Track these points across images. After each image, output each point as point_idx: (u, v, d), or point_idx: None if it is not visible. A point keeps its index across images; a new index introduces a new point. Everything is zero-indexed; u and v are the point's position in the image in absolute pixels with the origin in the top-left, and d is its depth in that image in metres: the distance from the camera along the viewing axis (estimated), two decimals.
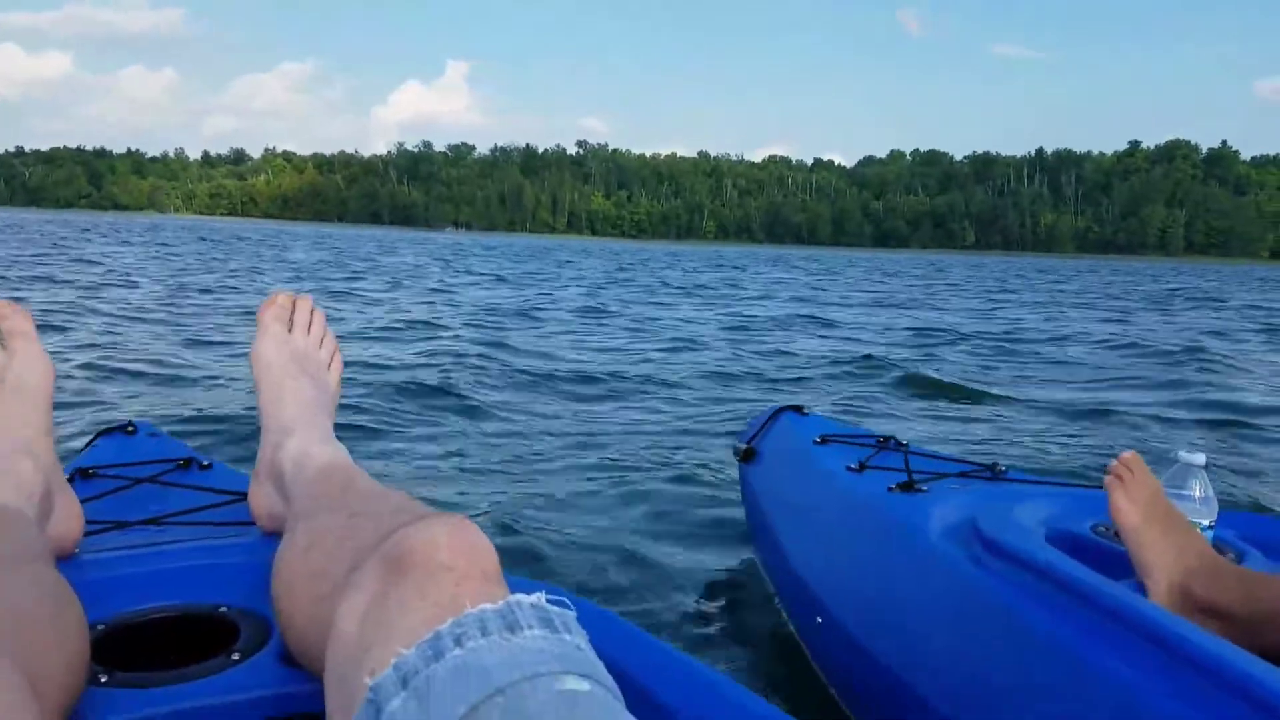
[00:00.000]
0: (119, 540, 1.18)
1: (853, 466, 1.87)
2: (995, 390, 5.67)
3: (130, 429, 1.78)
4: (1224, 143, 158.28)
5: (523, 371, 5.59)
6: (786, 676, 1.81)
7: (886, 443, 2.08)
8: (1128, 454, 1.41)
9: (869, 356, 6.79)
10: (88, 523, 1.14)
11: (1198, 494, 1.33)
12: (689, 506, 2.98)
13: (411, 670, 0.52)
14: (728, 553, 2.54)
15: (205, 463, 1.57)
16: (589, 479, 3.27)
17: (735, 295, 15.59)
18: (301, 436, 1.08)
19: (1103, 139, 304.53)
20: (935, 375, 6.10)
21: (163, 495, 1.42)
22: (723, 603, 2.25)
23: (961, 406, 5.19)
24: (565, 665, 0.53)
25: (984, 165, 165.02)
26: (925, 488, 1.70)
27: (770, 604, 2.08)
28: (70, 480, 1.21)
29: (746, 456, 2.24)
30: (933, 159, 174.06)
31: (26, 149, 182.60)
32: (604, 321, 9.85)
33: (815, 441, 2.08)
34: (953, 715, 1.14)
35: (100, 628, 0.88)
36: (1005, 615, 1.16)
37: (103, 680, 0.79)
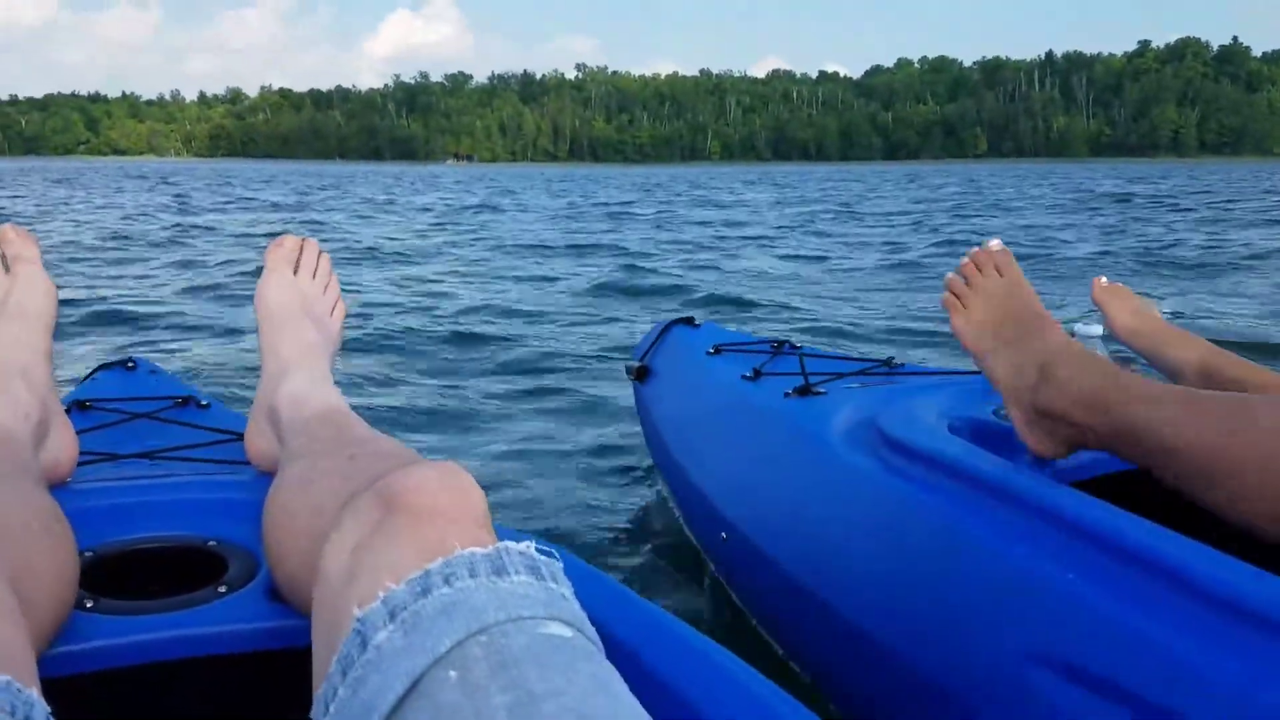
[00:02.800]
0: (112, 472, 1.19)
1: (747, 375, 1.81)
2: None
3: (130, 365, 1.78)
4: (1235, 39, 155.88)
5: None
6: (694, 595, 1.78)
7: (780, 347, 2.03)
8: (1101, 279, 1.44)
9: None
10: (82, 453, 1.15)
11: None
12: (587, 429, 2.93)
13: (399, 604, 0.53)
14: (628, 474, 2.48)
15: (204, 402, 1.57)
16: (482, 407, 3.22)
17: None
18: (300, 378, 1.08)
19: (1112, 39, 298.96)
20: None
21: (160, 431, 1.42)
22: (625, 524, 2.17)
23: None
24: (550, 611, 0.54)
25: (993, 70, 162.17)
26: (822, 390, 1.65)
27: (674, 523, 2.03)
28: (67, 412, 1.21)
29: (640, 375, 2.16)
30: (941, 66, 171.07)
31: (20, 97, 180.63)
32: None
33: (708, 353, 2.03)
34: (866, 620, 1.12)
35: (88, 554, 0.89)
36: (913, 514, 1.14)
37: (88, 605, 0.80)
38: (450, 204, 18.77)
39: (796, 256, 8.68)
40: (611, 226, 12.80)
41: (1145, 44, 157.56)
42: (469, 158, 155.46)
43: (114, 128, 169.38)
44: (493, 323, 4.94)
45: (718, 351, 2.03)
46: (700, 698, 0.70)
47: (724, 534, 1.52)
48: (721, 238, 10.74)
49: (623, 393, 3.03)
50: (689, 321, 2.31)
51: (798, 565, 1.30)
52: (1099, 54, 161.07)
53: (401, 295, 5.88)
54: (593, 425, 2.98)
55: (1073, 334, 1.32)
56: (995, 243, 1.26)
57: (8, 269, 1.17)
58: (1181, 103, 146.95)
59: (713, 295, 5.83)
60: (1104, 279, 1.45)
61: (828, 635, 1.24)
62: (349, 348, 4.04)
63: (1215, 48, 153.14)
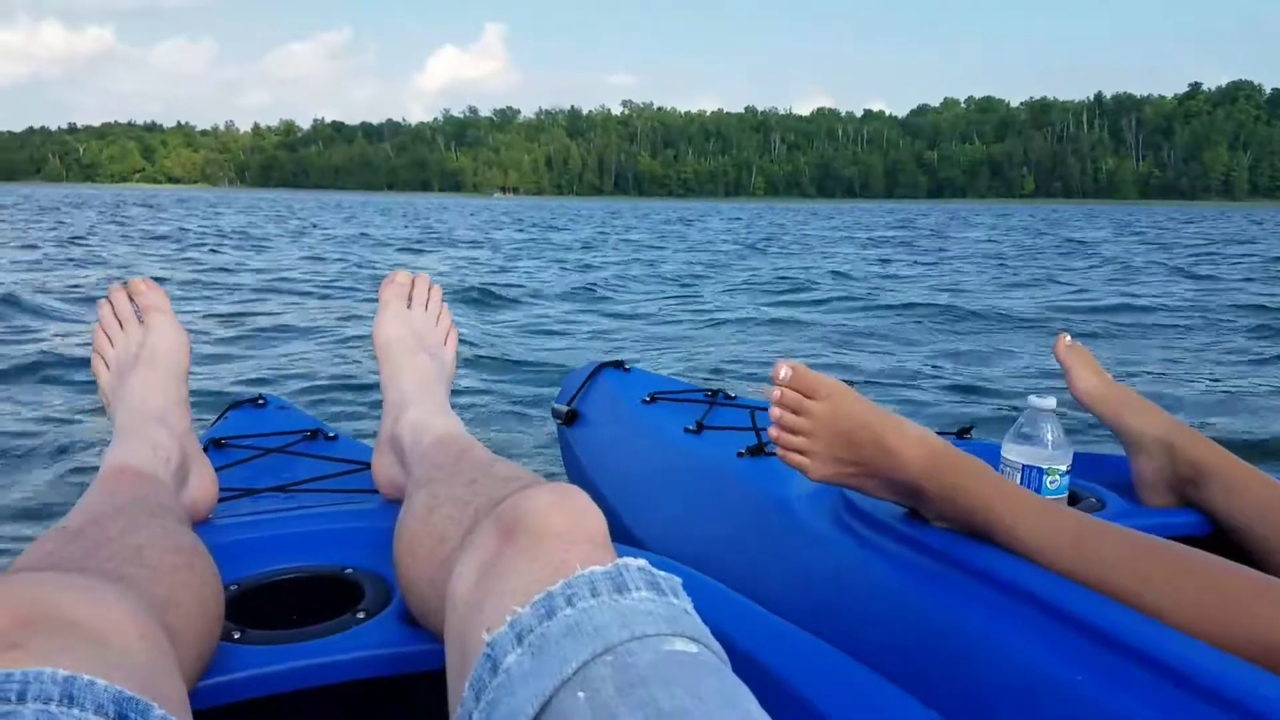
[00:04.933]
0: (250, 506, 1.24)
1: (690, 428, 1.76)
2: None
3: (260, 402, 1.84)
4: None
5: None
6: None
7: (716, 397, 1.97)
8: (1065, 336, 1.43)
9: None
10: (221, 490, 1.19)
11: (1051, 439, 1.26)
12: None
13: (526, 628, 0.54)
14: None
15: (331, 434, 1.62)
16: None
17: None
18: (420, 408, 1.11)
19: (1163, 82, 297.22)
20: None
21: (291, 464, 1.46)
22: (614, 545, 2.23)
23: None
24: (673, 627, 0.54)
25: (1041, 111, 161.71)
26: (776, 450, 1.62)
27: None
28: (204, 450, 1.25)
29: (569, 419, 2.07)
30: (988, 106, 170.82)
31: (79, 125, 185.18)
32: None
33: (644, 400, 1.97)
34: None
35: (233, 587, 0.93)
36: (880, 585, 1.11)
37: (236, 637, 0.83)
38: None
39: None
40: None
41: (1196, 86, 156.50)
42: (515, 190, 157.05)
43: (169, 157, 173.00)
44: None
45: (654, 399, 1.97)
46: (829, 707, 0.69)
47: None
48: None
49: (540, 432, 2.97)
50: (619, 365, 2.24)
51: None
52: (1149, 95, 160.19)
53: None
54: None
55: (1026, 406, 1.30)
56: (783, 371, 1.14)
57: (141, 320, 1.22)
58: (1233, 146, 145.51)
59: None
60: (1068, 337, 1.43)
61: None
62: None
63: (1268, 90, 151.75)
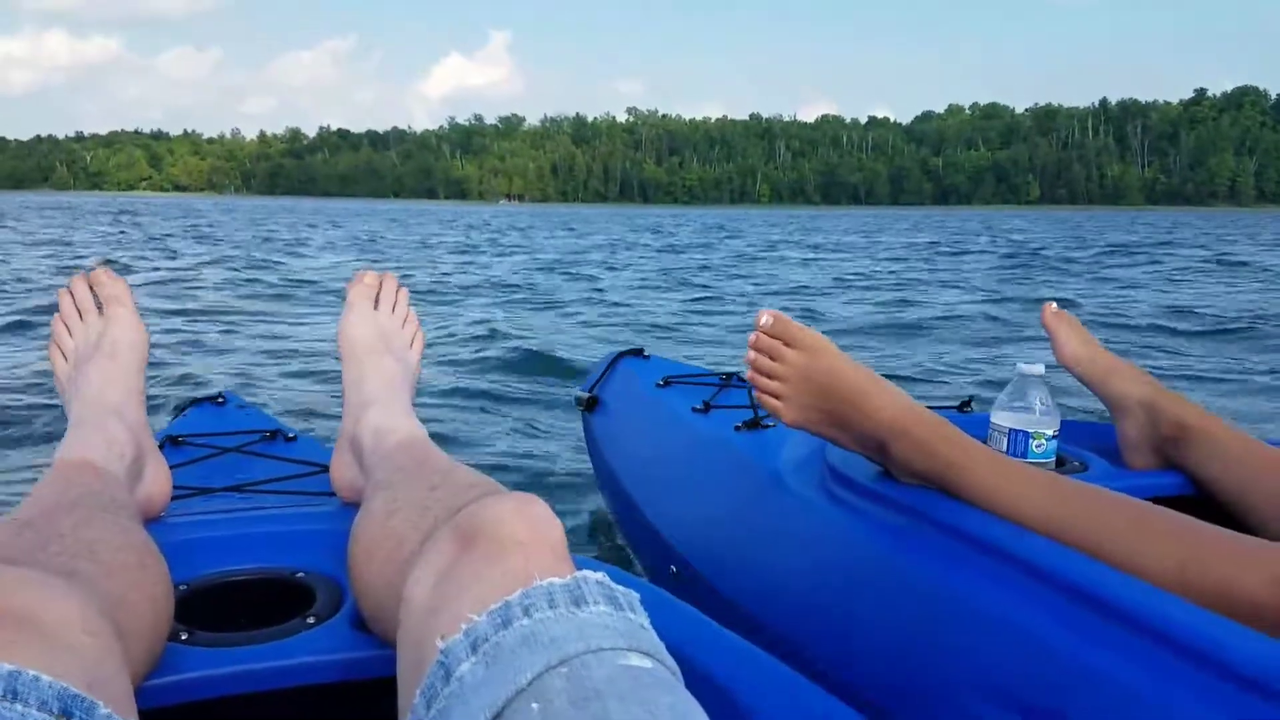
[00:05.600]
0: (204, 505, 1.22)
1: (698, 407, 1.82)
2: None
3: (220, 399, 1.83)
4: None
5: None
6: None
7: (729, 380, 2.02)
8: (1051, 305, 1.46)
9: None
10: (175, 488, 1.18)
11: (1039, 405, 1.29)
12: (534, 458, 2.89)
13: (481, 636, 0.54)
14: (575, 504, 2.48)
15: (290, 434, 1.61)
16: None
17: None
18: (382, 410, 1.10)
19: (1168, 88, 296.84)
20: None
21: (248, 464, 1.45)
22: (572, 557, 2.25)
23: None
24: (629, 642, 0.54)
25: (1047, 117, 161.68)
26: (771, 423, 1.64)
27: (622, 554, 2.00)
28: (160, 447, 1.24)
29: (589, 405, 2.16)
30: (993, 112, 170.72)
31: (86, 133, 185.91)
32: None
33: (658, 385, 2.03)
34: (814, 653, 1.12)
35: (183, 587, 0.92)
36: (859, 547, 1.14)
37: (184, 638, 0.82)
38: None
39: None
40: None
41: (1202, 92, 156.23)
42: (520, 198, 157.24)
43: (176, 164, 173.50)
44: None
45: (667, 383, 2.03)
46: None
47: (673, 567, 1.51)
48: None
49: (572, 421, 3.03)
50: (639, 353, 2.30)
51: (746, 599, 1.29)
52: (1155, 101, 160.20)
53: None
54: (540, 453, 2.97)
55: (1015, 373, 1.33)
56: (764, 317, 1.19)
57: (101, 311, 1.21)
58: (1239, 152, 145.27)
59: None
60: (1054, 305, 1.46)
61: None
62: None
63: (1274, 96, 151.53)
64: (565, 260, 13.59)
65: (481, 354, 4.77)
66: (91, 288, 1.23)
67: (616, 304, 7.72)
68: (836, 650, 1.09)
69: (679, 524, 1.57)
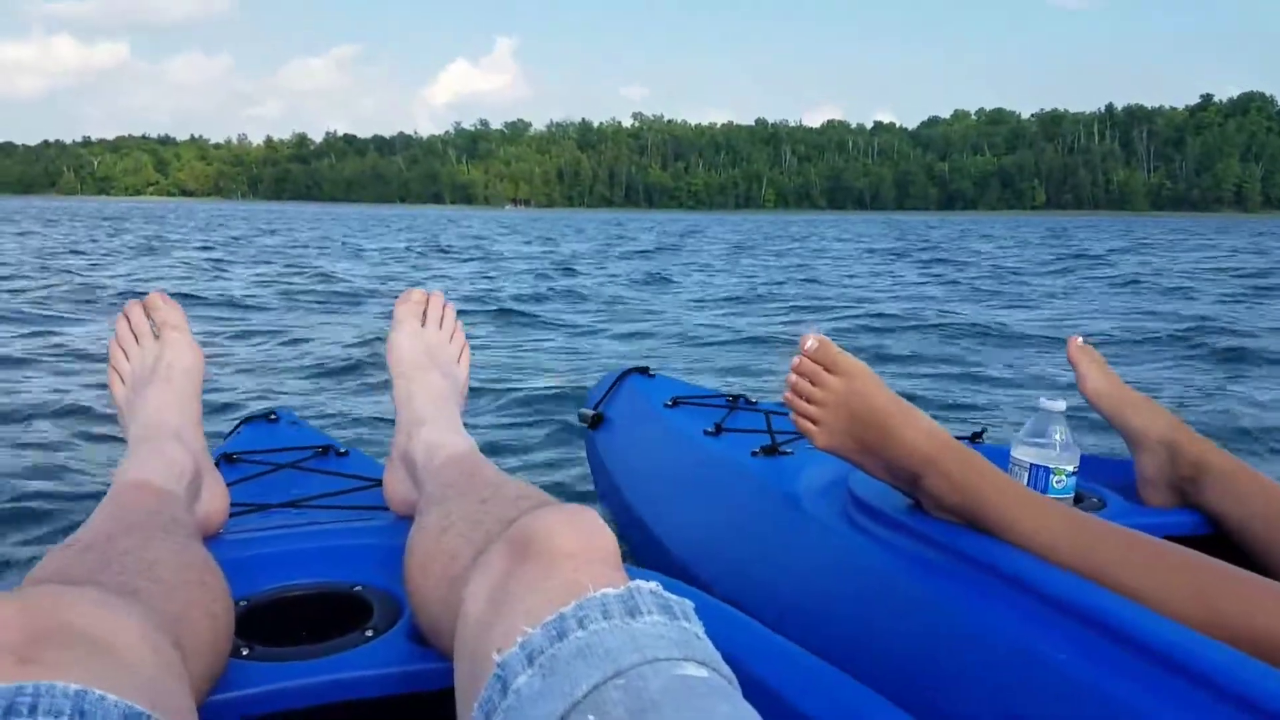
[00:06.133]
0: (261, 522, 1.24)
1: (709, 430, 1.80)
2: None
3: (273, 417, 1.86)
4: None
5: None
6: None
7: (736, 402, 2.01)
8: (1077, 338, 1.47)
9: None
10: (232, 505, 1.20)
11: (1059, 440, 1.29)
12: (532, 474, 2.86)
13: (537, 649, 0.54)
14: None
15: (342, 450, 1.63)
16: None
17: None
18: (433, 426, 1.12)
19: (1174, 93, 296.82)
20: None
21: (302, 480, 1.47)
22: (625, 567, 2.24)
23: None
24: (685, 652, 0.54)
25: (1052, 122, 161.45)
26: (789, 449, 1.63)
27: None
28: (216, 465, 1.26)
29: (594, 423, 2.14)
30: (998, 118, 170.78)
31: (93, 138, 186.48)
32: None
33: (666, 404, 2.01)
34: None
35: (243, 603, 0.93)
36: (883, 577, 1.13)
37: (244, 653, 0.84)
38: None
39: None
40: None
41: (1208, 98, 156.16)
42: (526, 203, 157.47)
43: (183, 169, 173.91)
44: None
45: (676, 404, 2.01)
46: None
47: None
48: None
49: (574, 437, 3.03)
50: (644, 371, 2.29)
51: (762, 623, 1.31)
52: (1160, 107, 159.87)
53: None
54: (541, 469, 2.97)
55: (1036, 408, 1.34)
56: (810, 341, 1.19)
57: (157, 336, 1.23)
58: (1245, 157, 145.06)
59: None
60: (1079, 338, 1.47)
61: None
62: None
63: None
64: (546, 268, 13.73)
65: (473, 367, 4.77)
66: (148, 312, 1.25)
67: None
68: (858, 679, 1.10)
69: (692, 546, 1.56)
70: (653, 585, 0.58)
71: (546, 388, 4.14)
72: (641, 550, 1.79)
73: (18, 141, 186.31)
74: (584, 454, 2.40)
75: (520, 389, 4.09)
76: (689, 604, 0.59)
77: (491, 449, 3.19)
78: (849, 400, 1.15)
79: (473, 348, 1.29)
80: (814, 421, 1.17)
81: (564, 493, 2.64)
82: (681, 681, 0.51)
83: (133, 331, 1.24)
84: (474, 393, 3.77)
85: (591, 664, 0.52)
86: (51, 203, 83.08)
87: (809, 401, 1.18)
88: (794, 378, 1.19)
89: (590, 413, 2.15)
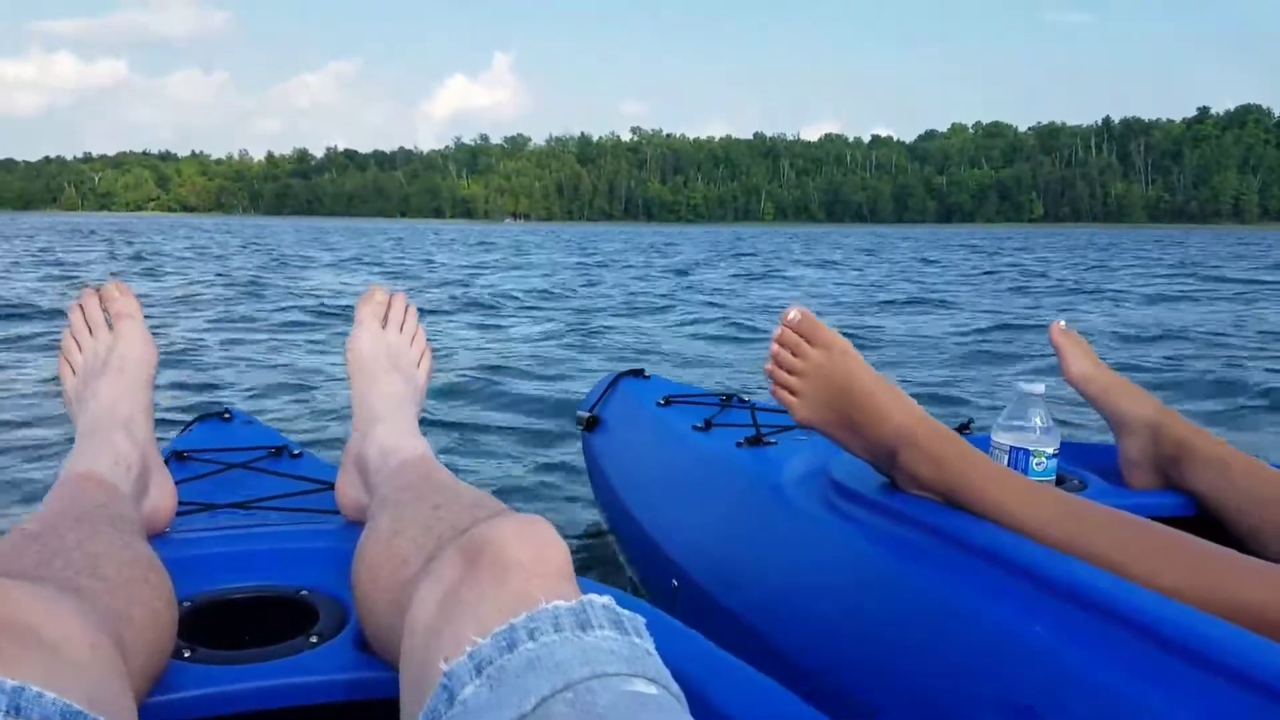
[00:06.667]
0: (208, 521, 1.22)
1: (699, 425, 1.82)
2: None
3: (226, 415, 1.83)
4: None
5: None
6: None
7: (730, 400, 2.03)
8: (1059, 322, 1.47)
9: None
10: (180, 503, 1.18)
11: (1039, 424, 1.29)
12: (532, 478, 2.90)
13: (485, 659, 0.53)
14: (573, 521, 2.47)
15: (296, 451, 1.61)
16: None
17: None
18: (389, 428, 1.10)
19: (1171, 106, 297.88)
20: None
21: (254, 481, 1.45)
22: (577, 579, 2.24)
23: None
24: (634, 668, 0.53)
25: (1050, 135, 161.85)
26: (773, 440, 1.66)
27: (622, 572, 1.99)
28: (166, 462, 1.24)
29: (590, 425, 2.17)
30: (996, 131, 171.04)
31: (94, 154, 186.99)
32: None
33: (659, 404, 2.03)
34: (818, 664, 1.11)
35: (186, 604, 0.91)
36: (864, 560, 1.13)
37: (186, 655, 0.82)
38: None
39: None
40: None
41: (1205, 110, 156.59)
42: (526, 216, 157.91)
43: (183, 185, 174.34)
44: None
45: (668, 403, 2.03)
46: None
47: (675, 581, 1.50)
48: None
49: (570, 441, 3.06)
50: (639, 373, 2.31)
51: (749, 611, 1.28)
52: (1158, 120, 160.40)
53: None
54: (538, 472, 3.00)
55: (1016, 392, 1.33)
56: (793, 313, 1.19)
57: (111, 326, 1.21)
58: (1243, 169, 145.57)
59: None
60: (1062, 322, 1.47)
61: (783, 683, 1.31)
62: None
63: (1277, 114, 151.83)
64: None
65: (469, 372, 4.81)
66: (102, 302, 1.23)
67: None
68: (841, 663, 1.08)
69: (681, 539, 1.57)
70: (605, 599, 0.57)
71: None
72: (635, 548, 1.80)
73: (19, 158, 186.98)
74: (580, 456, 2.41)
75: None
76: (640, 619, 0.58)
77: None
78: (829, 373, 1.15)
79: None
80: (793, 392, 1.18)
81: (560, 493, 2.74)
82: (630, 698, 0.51)
83: (87, 322, 1.22)
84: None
85: (541, 676, 0.51)
86: (46, 219, 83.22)
87: (790, 373, 1.18)
88: (775, 348, 1.19)
89: (586, 415, 2.18)
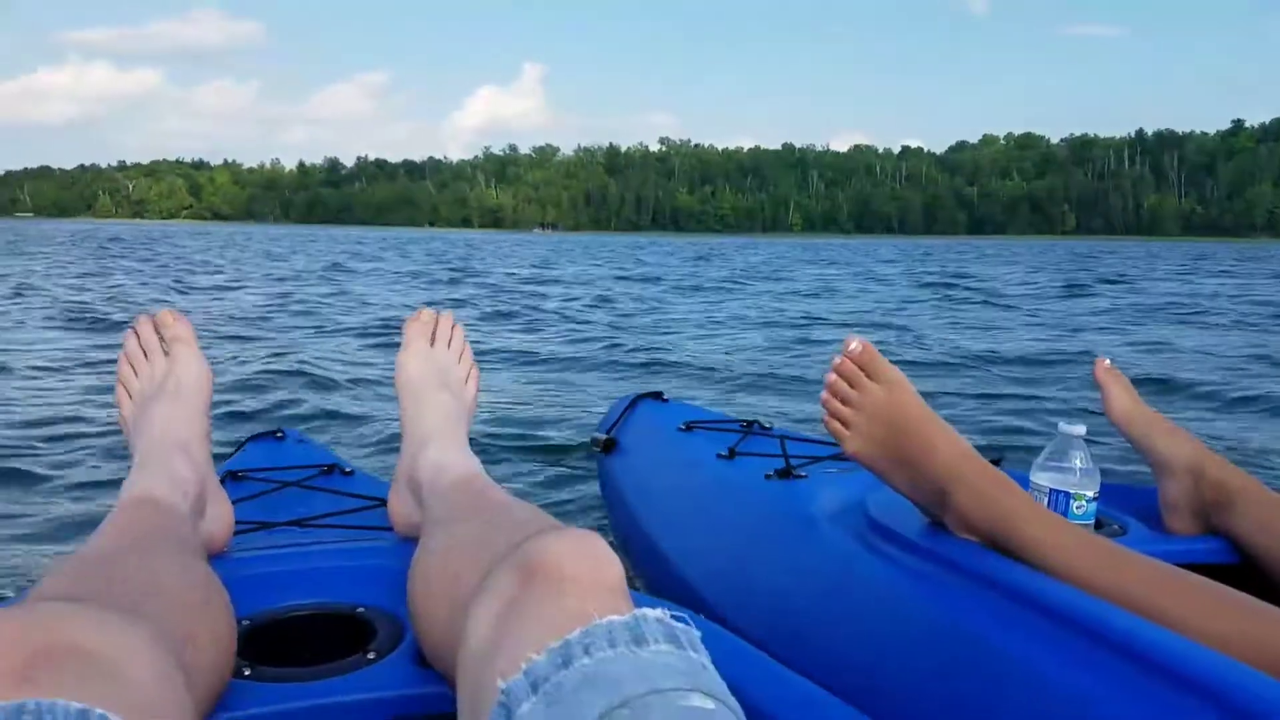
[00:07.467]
0: (265, 540, 1.24)
1: (723, 454, 1.78)
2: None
3: (279, 435, 1.87)
4: None
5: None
6: None
7: (750, 427, 2.01)
8: (1104, 360, 1.45)
9: None
10: (236, 522, 1.19)
11: (1079, 465, 1.27)
12: (543, 498, 2.84)
13: (541, 676, 0.53)
14: None
15: (348, 469, 1.62)
16: None
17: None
18: (439, 446, 1.11)
19: (1205, 118, 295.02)
20: None
21: (307, 499, 1.47)
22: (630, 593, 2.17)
23: None
24: (692, 682, 0.53)
25: (1082, 147, 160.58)
26: (803, 473, 1.62)
27: (639, 598, 1.93)
28: (221, 482, 1.25)
29: (606, 447, 2.11)
30: (1028, 142, 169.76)
31: (128, 163, 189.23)
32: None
33: (679, 429, 2.00)
34: (852, 705, 1.06)
35: (245, 623, 0.92)
36: (901, 600, 1.11)
37: (246, 673, 0.83)
38: None
39: None
40: None
41: (1239, 123, 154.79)
42: (554, 226, 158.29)
43: (216, 194, 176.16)
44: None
45: (689, 428, 1.99)
46: None
47: (699, 613, 1.47)
48: None
49: (584, 463, 3.01)
50: (657, 396, 2.28)
51: (779, 648, 1.26)
52: (1191, 132, 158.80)
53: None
54: (552, 494, 2.94)
55: (1056, 433, 1.31)
56: (854, 344, 1.18)
57: (166, 351, 1.22)
58: (1278, 183, 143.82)
59: None
60: (1107, 360, 1.45)
61: None
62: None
63: None
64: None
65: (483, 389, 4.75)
66: (157, 329, 1.24)
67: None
68: (877, 708, 1.04)
69: (706, 570, 1.53)
70: (659, 613, 0.57)
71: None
72: (654, 575, 1.77)
73: (54, 165, 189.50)
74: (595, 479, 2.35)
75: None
76: (696, 633, 0.58)
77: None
78: (885, 408, 1.14)
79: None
80: (846, 425, 1.17)
81: (575, 517, 2.66)
82: (687, 712, 0.51)
83: (142, 348, 1.23)
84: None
85: (597, 693, 0.51)
86: (82, 226, 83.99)
87: (845, 404, 1.17)
88: (833, 378, 1.18)
89: (603, 437, 2.13)
